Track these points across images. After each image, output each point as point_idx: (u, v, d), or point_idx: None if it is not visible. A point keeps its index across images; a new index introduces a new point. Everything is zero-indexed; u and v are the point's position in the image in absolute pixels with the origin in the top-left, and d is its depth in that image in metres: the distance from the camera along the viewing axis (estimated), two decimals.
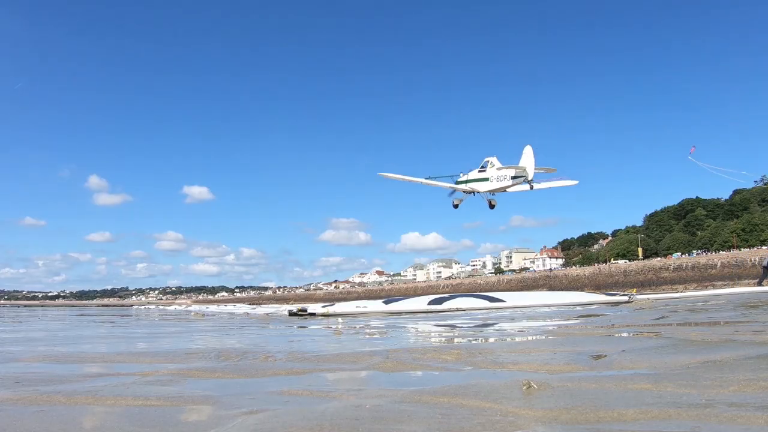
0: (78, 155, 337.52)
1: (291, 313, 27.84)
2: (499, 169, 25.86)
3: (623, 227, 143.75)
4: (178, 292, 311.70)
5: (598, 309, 18.95)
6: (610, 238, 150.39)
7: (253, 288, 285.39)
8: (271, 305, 76.93)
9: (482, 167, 26.74)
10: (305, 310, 27.82)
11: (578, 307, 21.11)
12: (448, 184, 27.64)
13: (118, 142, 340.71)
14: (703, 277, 72.43)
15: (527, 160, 25.27)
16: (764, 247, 78.06)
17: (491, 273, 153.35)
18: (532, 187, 25.83)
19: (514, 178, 25.56)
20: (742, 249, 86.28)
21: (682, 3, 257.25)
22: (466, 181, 26.90)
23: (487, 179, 26.17)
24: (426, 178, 27.22)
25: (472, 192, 26.90)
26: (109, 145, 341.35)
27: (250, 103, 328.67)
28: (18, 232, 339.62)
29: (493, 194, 26.70)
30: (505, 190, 26.14)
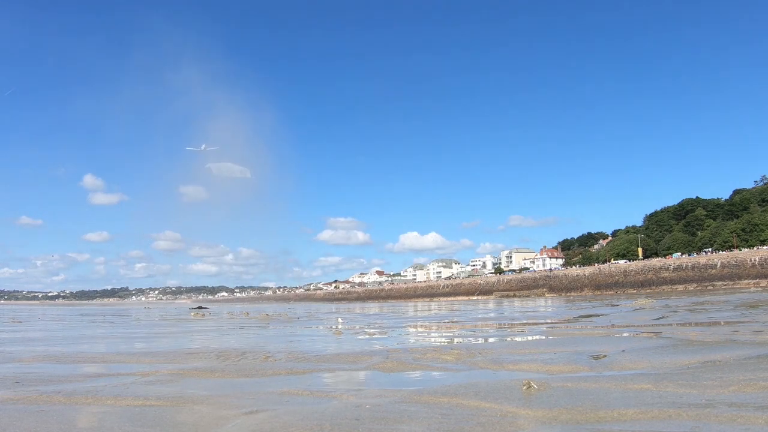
0: (72, 154, 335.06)
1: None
2: None
3: (623, 227, 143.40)
4: (178, 292, 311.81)
5: (599, 309, 18.96)
6: (610, 238, 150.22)
7: (253, 288, 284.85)
8: (270, 305, 76.85)
9: None
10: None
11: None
12: None
13: (113, 141, 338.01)
14: (703, 277, 72.31)
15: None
16: (764, 247, 77.82)
17: (491, 273, 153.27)
18: None
19: None
20: (742, 249, 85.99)
21: (676, 4, 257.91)
22: None
23: None
24: None
25: None
26: (103, 144, 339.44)
27: (248, 102, 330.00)
28: (15, 232, 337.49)
29: None
30: None
